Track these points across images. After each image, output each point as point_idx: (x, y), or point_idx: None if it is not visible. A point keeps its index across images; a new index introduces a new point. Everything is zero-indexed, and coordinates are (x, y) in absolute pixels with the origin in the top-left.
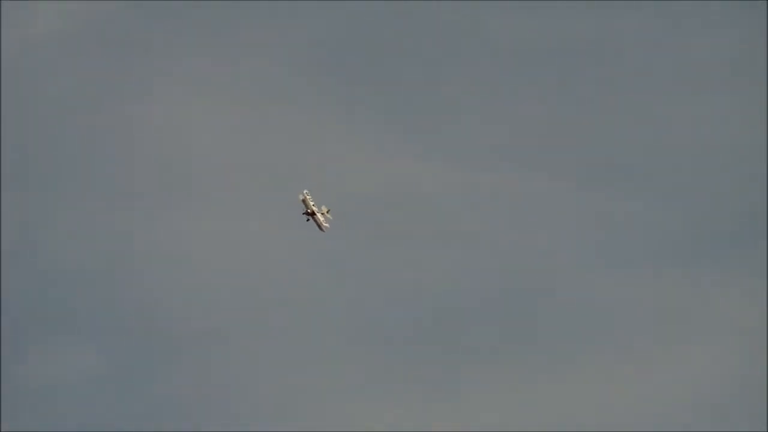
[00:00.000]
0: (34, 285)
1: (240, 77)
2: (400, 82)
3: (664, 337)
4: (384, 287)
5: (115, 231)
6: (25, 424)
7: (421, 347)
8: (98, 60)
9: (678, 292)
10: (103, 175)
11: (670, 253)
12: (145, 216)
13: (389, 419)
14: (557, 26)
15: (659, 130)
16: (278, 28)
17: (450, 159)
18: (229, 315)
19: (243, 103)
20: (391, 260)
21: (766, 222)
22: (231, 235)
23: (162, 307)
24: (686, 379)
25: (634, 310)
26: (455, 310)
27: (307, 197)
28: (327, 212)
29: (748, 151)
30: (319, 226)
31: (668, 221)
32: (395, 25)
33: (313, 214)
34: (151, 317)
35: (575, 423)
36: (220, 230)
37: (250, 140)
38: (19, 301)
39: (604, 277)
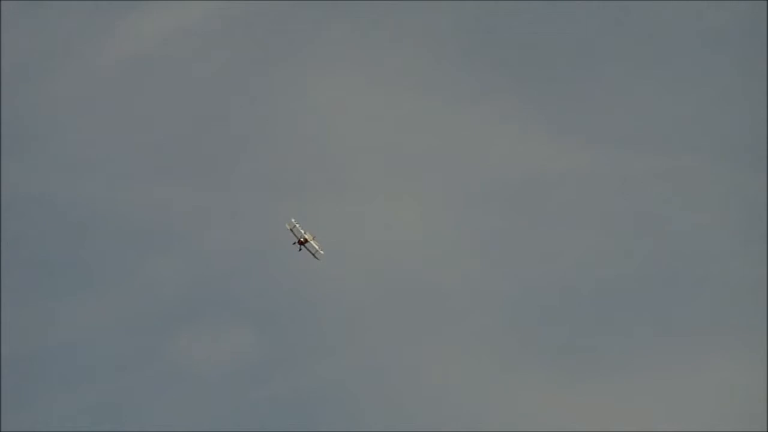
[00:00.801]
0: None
1: (382, 64)
2: (541, 68)
3: None
4: (531, 270)
5: (268, 217)
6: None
7: (569, 332)
8: (245, 51)
9: None
10: (256, 162)
11: None
12: (295, 203)
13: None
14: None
15: None
16: (418, 16)
17: (590, 143)
18: (376, 301)
19: (385, 91)
20: (535, 245)
21: None
22: (370, 221)
23: (312, 294)
24: None
25: None
26: (601, 293)
27: (296, 225)
28: (313, 239)
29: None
30: (314, 253)
31: None
32: (532, 10)
33: (305, 242)
34: (303, 303)
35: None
36: (359, 215)
37: (397, 128)
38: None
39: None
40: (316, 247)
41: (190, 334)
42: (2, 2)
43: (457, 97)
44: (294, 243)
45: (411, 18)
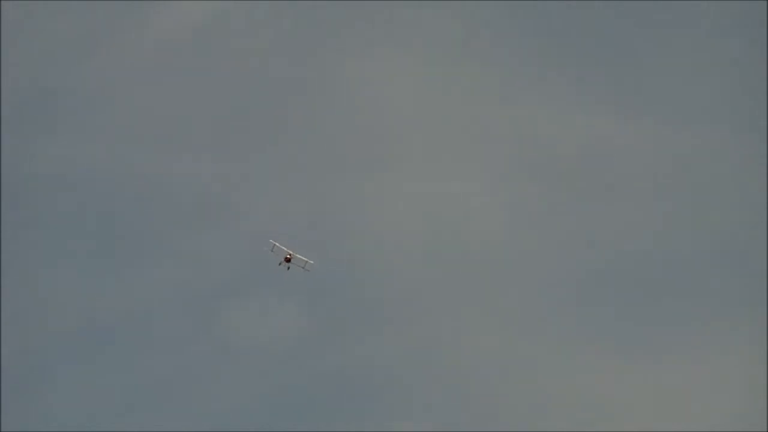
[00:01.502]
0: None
1: (442, 40)
2: (600, 44)
3: None
4: (585, 243)
5: (320, 192)
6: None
7: (620, 305)
8: (302, 20)
9: None
10: (310, 136)
11: None
12: (351, 177)
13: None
14: None
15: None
16: None
17: (646, 116)
18: (431, 276)
19: (446, 66)
20: (591, 217)
21: None
22: (428, 196)
23: (361, 267)
24: None
25: None
26: (657, 266)
27: (276, 245)
28: (294, 253)
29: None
30: (303, 266)
31: None
32: None
33: (290, 258)
34: (352, 278)
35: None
36: (415, 189)
37: (456, 102)
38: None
39: None
40: (304, 259)
41: (238, 309)
42: (2, 2)
43: (517, 72)
44: (280, 264)
45: None
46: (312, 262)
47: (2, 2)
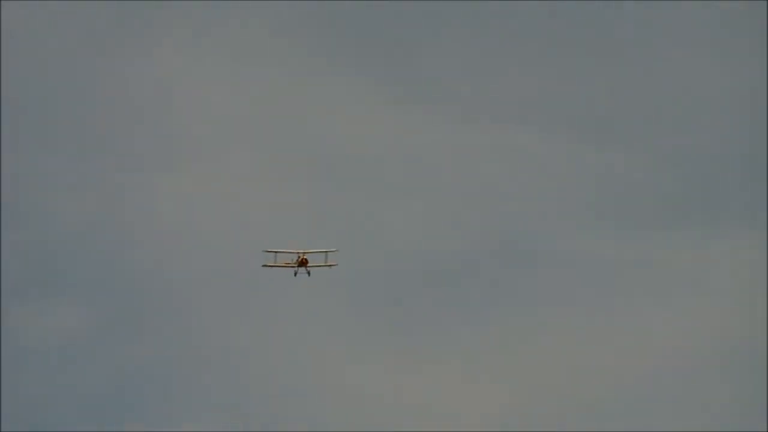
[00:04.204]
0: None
1: (226, 37)
2: (381, 40)
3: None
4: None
5: (109, 191)
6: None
7: (410, 302)
8: (98, 17)
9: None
10: (97, 131)
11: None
12: (137, 177)
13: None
14: None
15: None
16: None
17: (433, 115)
18: (213, 273)
19: (230, 61)
20: (374, 212)
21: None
22: (223, 194)
23: (153, 267)
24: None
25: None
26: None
27: (276, 252)
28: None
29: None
30: (325, 262)
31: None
32: None
33: (305, 262)
34: (143, 278)
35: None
36: (211, 189)
37: (237, 99)
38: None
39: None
40: (323, 251)
41: (19, 309)
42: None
43: (303, 71)
44: (296, 273)
45: None
46: (335, 250)
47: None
